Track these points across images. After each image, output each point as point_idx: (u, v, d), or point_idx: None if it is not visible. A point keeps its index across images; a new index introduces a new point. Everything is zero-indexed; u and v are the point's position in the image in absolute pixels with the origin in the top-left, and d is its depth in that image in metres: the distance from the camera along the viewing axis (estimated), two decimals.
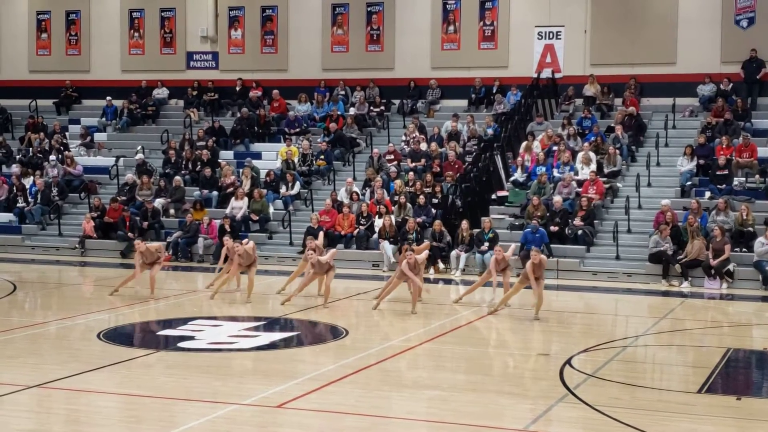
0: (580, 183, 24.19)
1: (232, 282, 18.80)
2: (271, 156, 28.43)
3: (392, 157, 26.66)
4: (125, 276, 18.94)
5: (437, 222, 23.24)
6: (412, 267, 16.69)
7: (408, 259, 16.72)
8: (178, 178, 26.95)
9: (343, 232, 24.11)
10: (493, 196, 24.88)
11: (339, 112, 29.20)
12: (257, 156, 28.58)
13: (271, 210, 25.69)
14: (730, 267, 21.07)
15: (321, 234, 21.32)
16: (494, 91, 28.72)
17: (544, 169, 24.74)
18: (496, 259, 17.42)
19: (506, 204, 24.56)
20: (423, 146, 26.74)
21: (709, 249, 21.18)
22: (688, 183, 24.10)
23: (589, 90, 27.90)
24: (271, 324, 16.07)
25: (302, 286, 17.62)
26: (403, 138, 27.75)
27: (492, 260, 17.58)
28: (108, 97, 31.65)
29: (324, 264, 17.34)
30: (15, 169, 28.85)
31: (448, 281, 22.03)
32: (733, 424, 10.22)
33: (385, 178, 25.53)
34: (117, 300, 17.95)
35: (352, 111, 29.32)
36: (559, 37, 28.61)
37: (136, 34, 32.73)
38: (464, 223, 22.85)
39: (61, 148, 29.55)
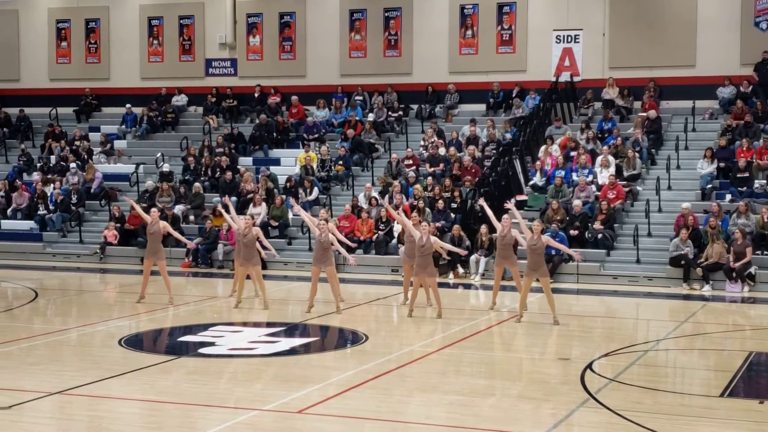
0: (600, 187, 24.12)
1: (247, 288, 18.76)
2: (290, 162, 28.49)
3: (411, 162, 26.66)
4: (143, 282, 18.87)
5: (456, 227, 23.21)
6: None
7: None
8: (197, 184, 27.03)
9: (362, 238, 24.13)
10: (512, 201, 24.79)
11: (357, 118, 29.23)
12: (276, 162, 28.64)
13: (290, 216, 25.74)
14: (752, 270, 20.94)
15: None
16: (513, 95, 28.68)
17: (562, 173, 24.69)
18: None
19: (525, 208, 24.50)
20: (441, 151, 26.73)
21: (730, 252, 21.08)
22: (709, 186, 23.98)
23: (608, 93, 27.81)
24: (290, 330, 16.09)
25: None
26: (422, 143, 27.74)
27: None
28: (128, 105, 31.82)
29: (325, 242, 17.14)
30: (36, 176, 29.05)
31: (467, 286, 22.01)
32: (755, 428, 10.15)
33: (403, 183, 25.53)
34: (138, 306, 18.02)
35: (370, 116, 29.34)
36: (577, 40, 28.54)
37: (155, 42, 32.87)
38: (483, 228, 22.81)
39: (85, 155, 29.72)
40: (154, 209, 19.39)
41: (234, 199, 26.55)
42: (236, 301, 18.04)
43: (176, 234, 19.68)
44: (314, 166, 27.37)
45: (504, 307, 18.01)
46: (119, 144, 31.17)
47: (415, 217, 19.60)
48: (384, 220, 24.19)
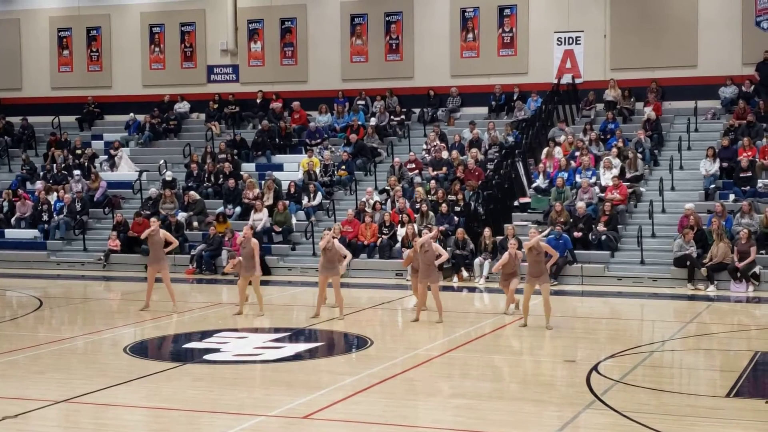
0: (603, 188, 24.11)
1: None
2: (292, 167, 28.49)
3: (414, 165, 26.67)
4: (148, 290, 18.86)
5: (460, 230, 23.20)
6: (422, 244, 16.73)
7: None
8: (192, 192, 26.98)
9: (365, 242, 24.13)
10: (516, 203, 24.83)
11: (359, 122, 29.24)
12: (279, 168, 28.64)
13: (294, 221, 25.74)
14: (756, 270, 20.92)
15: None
16: (515, 98, 28.67)
17: (565, 175, 24.68)
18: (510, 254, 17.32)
19: (529, 210, 24.51)
20: (444, 154, 26.73)
21: (734, 252, 21.06)
22: (712, 186, 23.96)
23: (610, 94, 27.80)
24: (295, 335, 16.10)
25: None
26: (424, 147, 27.75)
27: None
28: (131, 114, 31.89)
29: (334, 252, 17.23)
30: (39, 185, 29.08)
31: (472, 289, 22.00)
32: (762, 428, 10.14)
33: (406, 186, 25.53)
34: (143, 314, 18.02)
35: (372, 121, 29.35)
36: (578, 42, 28.53)
37: (157, 49, 32.90)
38: (487, 231, 22.81)
39: (86, 163, 29.73)
40: (153, 218, 19.35)
41: (238, 209, 26.56)
42: (239, 309, 17.99)
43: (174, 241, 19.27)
44: (317, 171, 27.38)
45: (508, 310, 17.98)
46: (123, 151, 31.13)
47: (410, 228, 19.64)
48: (387, 224, 24.19)
